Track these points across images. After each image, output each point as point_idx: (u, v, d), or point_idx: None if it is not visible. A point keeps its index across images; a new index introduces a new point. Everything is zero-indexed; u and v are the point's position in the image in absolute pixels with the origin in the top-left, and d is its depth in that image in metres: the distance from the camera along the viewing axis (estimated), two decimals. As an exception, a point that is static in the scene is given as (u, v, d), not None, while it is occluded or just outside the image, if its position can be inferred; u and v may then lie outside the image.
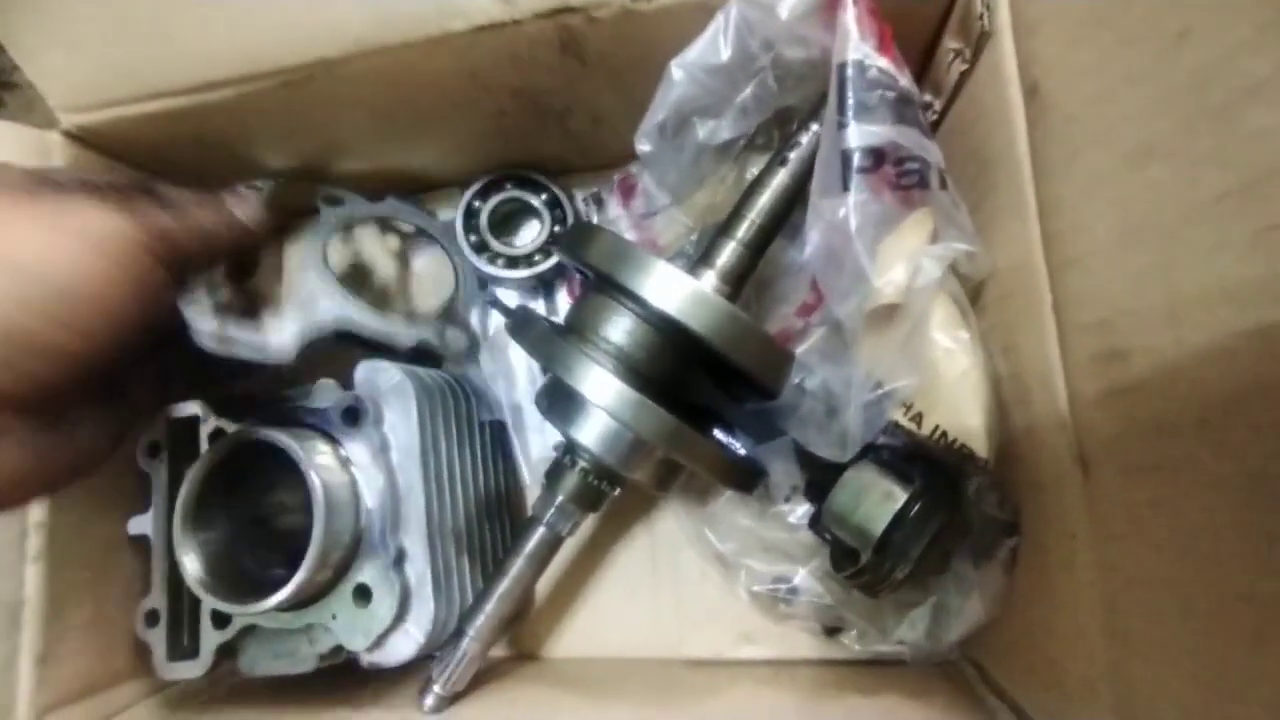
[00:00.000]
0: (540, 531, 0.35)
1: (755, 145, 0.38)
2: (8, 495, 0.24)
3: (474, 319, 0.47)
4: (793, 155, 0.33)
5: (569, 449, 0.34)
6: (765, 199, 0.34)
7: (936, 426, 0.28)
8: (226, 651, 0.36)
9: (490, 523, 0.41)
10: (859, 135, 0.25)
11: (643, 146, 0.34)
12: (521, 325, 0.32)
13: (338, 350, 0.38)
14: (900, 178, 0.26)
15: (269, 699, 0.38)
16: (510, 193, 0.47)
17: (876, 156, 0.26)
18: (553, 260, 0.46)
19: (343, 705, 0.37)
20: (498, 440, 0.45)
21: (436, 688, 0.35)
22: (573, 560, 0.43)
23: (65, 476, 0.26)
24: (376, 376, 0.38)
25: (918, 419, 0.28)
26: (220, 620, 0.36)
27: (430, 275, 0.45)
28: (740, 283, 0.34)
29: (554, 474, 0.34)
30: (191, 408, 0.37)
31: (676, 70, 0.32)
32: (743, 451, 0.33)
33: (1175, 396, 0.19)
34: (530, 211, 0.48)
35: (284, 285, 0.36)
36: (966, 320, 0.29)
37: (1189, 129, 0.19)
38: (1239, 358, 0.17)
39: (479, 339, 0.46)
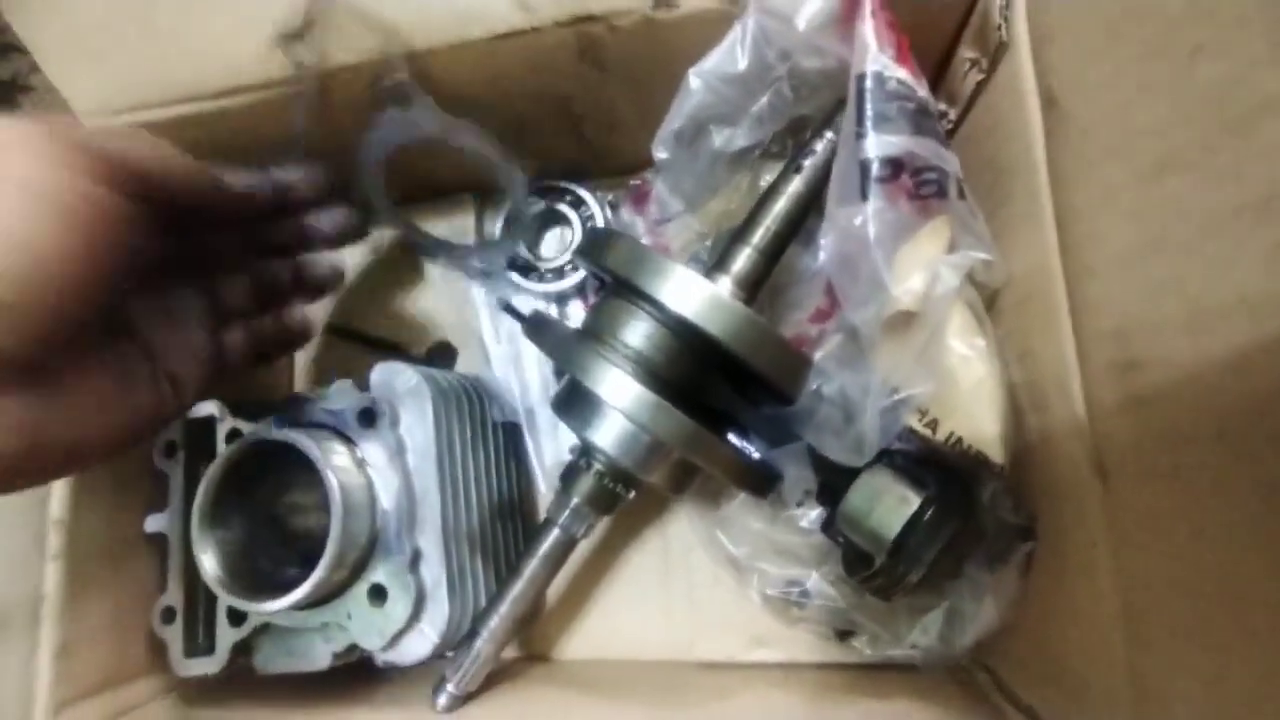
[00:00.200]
0: (555, 533, 0.35)
1: (769, 153, 0.39)
2: None
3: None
4: (807, 163, 0.34)
5: (585, 451, 0.34)
6: (780, 206, 0.34)
7: (952, 433, 0.28)
8: (242, 649, 0.37)
9: (504, 525, 0.42)
10: (878, 145, 0.26)
11: (659, 153, 0.35)
12: (539, 328, 0.33)
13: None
14: (918, 187, 0.26)
15: (283, 697, 0.38)
16: (538, 206, 0.47)
17: (895, 166, 0.26)
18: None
19: (356, 703, 0.37)
20: (511, 443, 0.45)
21: (450, 687, 0.36)
22: (585, 562, 0.44)
23: (62, 458, 0.24)
24: (393, 379, 0.38)
25: (933, 425, 0.28)
26: (236, 618, 0.36)
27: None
28: (755, 289, 0.34)
29: (569, 476, 0.35)
30: (208, 408, 0.38)
31: (694, 79, 0.32)
32: (758, 455, 0.34)
33: (1193, 406, 0.20)
34: (559, 219, 0.48)
35: None
36: (983, 328, 0.29)
37: (1206, 142, 0.19)
38: (1256, 368, 0.17)
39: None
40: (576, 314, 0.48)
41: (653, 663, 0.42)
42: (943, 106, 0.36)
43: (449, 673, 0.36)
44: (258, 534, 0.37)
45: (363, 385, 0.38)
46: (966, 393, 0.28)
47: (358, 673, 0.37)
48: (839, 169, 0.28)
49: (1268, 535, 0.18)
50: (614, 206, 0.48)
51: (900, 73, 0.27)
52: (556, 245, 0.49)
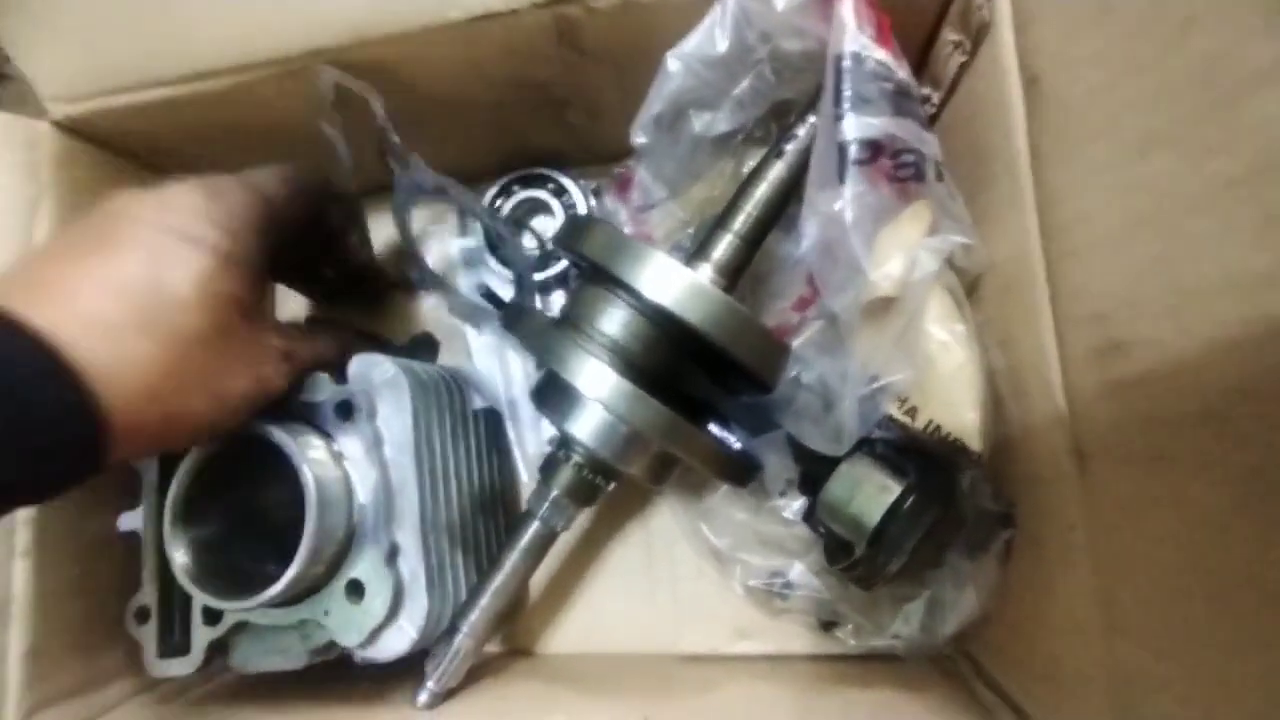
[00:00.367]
0: (535, 526, 0.35)
1: (753, 138, 0.38)
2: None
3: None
4: (789, 148, 0.33)
5: (563, 443, 0.34)
6: (761, 192, 0.34)
7: (930, 420, 0.28)
8: (218, 648, 0.36)
9: (485, 517, 0.41)
10: (856, 127, 0.25)
11: (639, 139, 0.34)
12: (515, 318, 0.32)
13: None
14: (897, 170, 0.26)
15: (261, 695, 0.37)
16: (520, 195, 0.47)
17: (873, 149, 0.26)
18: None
19: (336, 701, 0.37)
20: (493, 434, 0.44)
21: (430, 684, 0.35)
22: (568, 555, 0.43)
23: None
24: (370, 370, 0.37)
25: (912, 413, 0.28)
26: (212, 616, 0.35)
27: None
28: (736, 276, 0.34)
29: (548, 468, 0.34)
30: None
31: (673, 62, 0.32)
32: (738, 445, 0.33)
33: (1177, 388, 0.19)
34: (541, 208, 0.47)
35: None
36: (963, 313, 0.28)
37: (1194, 118, 0.18)
38: (1244, 348, 0.17)
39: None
40: (560, 303, 0.47)
41: (637, 656, 0.41)
42: (926, 91, 0.36)
43: (429, 669, 0.35)
44: (233, 530, 0.37)
45: (340, 378, 0.37)
46: (945, 379, 0.28)
47: (337, 670, 0.36)
48: (817, 152, 0.27)
49: (1251, 518, 0.18)
50: (597, 194, 0.47)
51: (880, 53, 0.26)
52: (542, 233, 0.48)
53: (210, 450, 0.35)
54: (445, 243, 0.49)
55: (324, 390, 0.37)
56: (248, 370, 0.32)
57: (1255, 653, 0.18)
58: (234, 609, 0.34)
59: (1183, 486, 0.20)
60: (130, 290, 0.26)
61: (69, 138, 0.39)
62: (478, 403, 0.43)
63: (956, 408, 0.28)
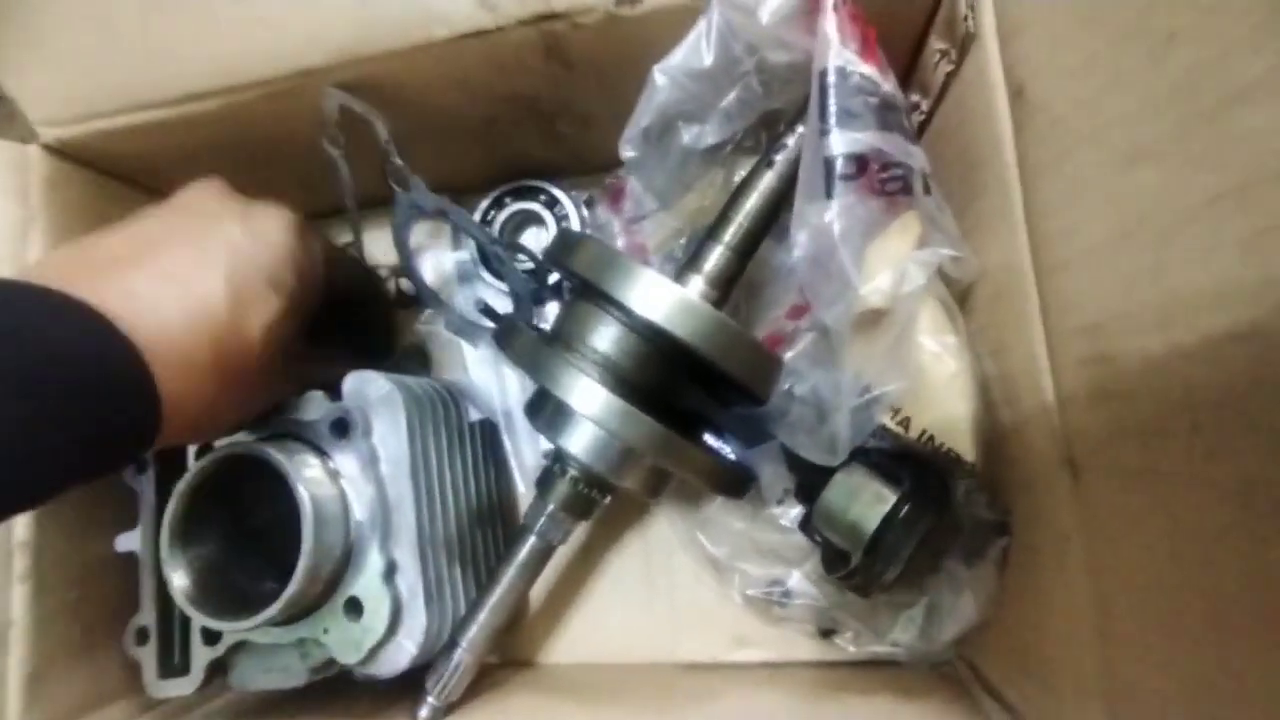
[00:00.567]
0: (532, 541, 0.35)
1: (743, 148, 0.38)
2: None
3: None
4: (779, 158, 0.33)
5: (558, 458, 0.34)
6: (751, 202, 0.34)
7: (924, 430, 0.28)
8: (218, 667, 0.36)
9: (483, 530, 0.41)
10: (842, 142, 0.25)
11: (628, 153, 0.34)
12: (507, 335, 0.32)
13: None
14: (885, 184, 0.26)
15: (261, 714, 0.38)
16: (512, 207, 0.47)
17: (860, 163, 0.26)
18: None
19: (337, 718, 0.37)
20: (489, 445, 0.44)
21: (431, 699, 0.35)
22: (566, 566, 0.43)
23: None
24: (365, 387, 0.37)
25: (905, 423, 0.28)
26: (211, 636, 0.36)
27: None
28: (728, 287, 0.34)
29: (544, 482, 0.34)
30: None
31: (660, 76, 0.32)
32: (733, 456, 0.33)
33: (1166, 400, 0.19)
34: (533, 220, 0.47)
35: None
36: (954, 323, 0.28)
37: (1180, 131, 0.18)
38: (1233, 361, 0.17)
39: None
40: (555, 314, 0.47)
41: (637, 665, 0.41)
42: (915, 98, 0.36)
43: (430, 684, 0.35)
44: (231, 550, 0.37)
45: (335, 395, 0.37)
46: (938, 390, 0.28)
47: (337, 686, 0.36)
48: (805, 166, 0.27)
49: (1239, 530, 0.18)
50: (589, 204, 0.47)
51: (865, 67, 0.26)
52: (532, 247, 0.48)
53: (207, 470, 0.35)
54: (440, 257, 0.49)
55: (319, 408, 0.37)
56: (268, 398, 0.34)
57: (1247, 666, 0.18)
58: (232, 629, 0.34)
59: (1173, 500, 0.20)
60: (212, 325, 0.27)
61: (59, 161, 0.39)
62: (474, 415, 0.43)
63: (949, 419, 0.28)
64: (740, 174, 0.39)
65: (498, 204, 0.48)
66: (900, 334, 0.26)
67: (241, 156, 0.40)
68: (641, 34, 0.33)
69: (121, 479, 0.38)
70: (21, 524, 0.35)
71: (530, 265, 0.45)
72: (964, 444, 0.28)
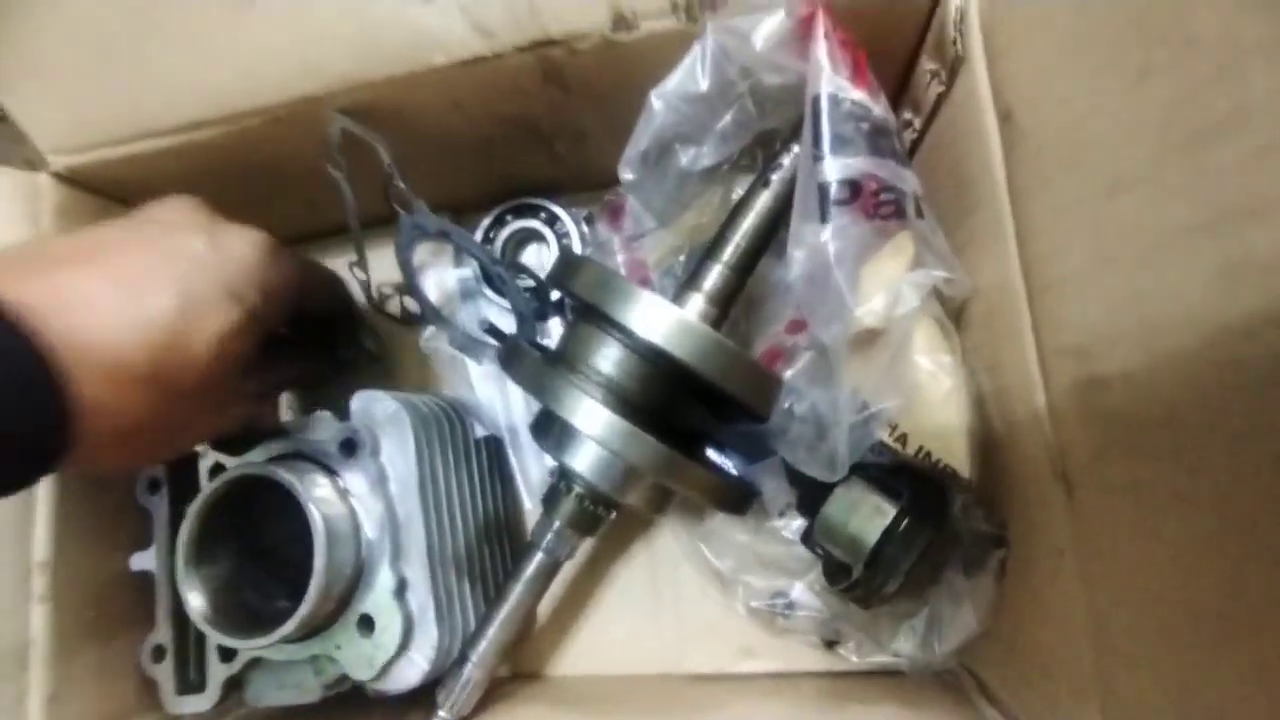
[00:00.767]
0: (539, 557, 0.35)
1: (740, 166, 0.39)
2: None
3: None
4: (775, 176, 0.34)
5: (564, 475, 0.34)
6: (749, 221, 0.34)
7: (921, 447, 0.29)
8: (233, 684, 0.37)
9: (490, 546, 0.42)
10: (835, 168, 0.26)
11: (626, 175, 0.35)
12: (512, 356, 0.33)
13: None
14: (878, 208, 0.27)
15: None
16: (513, 225, 0.47)
17: (853, 188, 0.26)
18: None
19: (349, 731, 0.37)
20: (495, 462, 0.45)
21: (442, 713, 0.36)
22: (573, 579, 0.44)
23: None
24: (373, 407, 0.38)
25: (903, 439, 0.29)
26: (226, 654, 0.36)
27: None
28: (728, 304, 0.35)
29: (550, 500, 0.35)
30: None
31: (656, 100, 0.32)
32: (735, 472, 0.34)
33: (1150, 420, 0.20)
34: (534, 236, 0.48)
35: None
36: (949, 341, 0.29)
37: (1156, 163, 0.19)
38: (1209, 387, 0.18)
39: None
40: (557, 330, 0.48)
41: (644, 677, 0.42)
42: (908, 115, 0.36)
43: (440, 698, 0.36)
44: (244, 568, 0.38)
45: (343, 415, 0.38)
46: (934, 407, 0.28)
47: (349, 700, 0.37)
48: (800, 189, 0.28)
49: (1219, 548, 0.19)
50: (590, 221, 0.48)
51: (856, 93, 0.27)
52: (533, 263, 0.49)
53: (219, 490, 0.36)
54: (443, 274, 0.50)
55: (327, 428, 0.37)
56: (218, 417, 0.33)
57: (1229, 674, 0.19)
58: (248, 647, 0.35)
59: (1159, 515, 0.20)
60: (155, 333, 0.25)
61: (69, 188, 0.40)
62: (479, 431, 0.44)
63: (945, 436, 0.28)
64: (737, 191, 0.39)
65: (499, 222, 0.48)
66: (896, 353, 0.27)
67: (245, 180, 0.41)
68: (637, 58, 0.34)
69: (135, 499, 0.39)
70: (40, 544, 0.36)
71: (532, 283, 0.46)
72: (960, 459, 0.28)
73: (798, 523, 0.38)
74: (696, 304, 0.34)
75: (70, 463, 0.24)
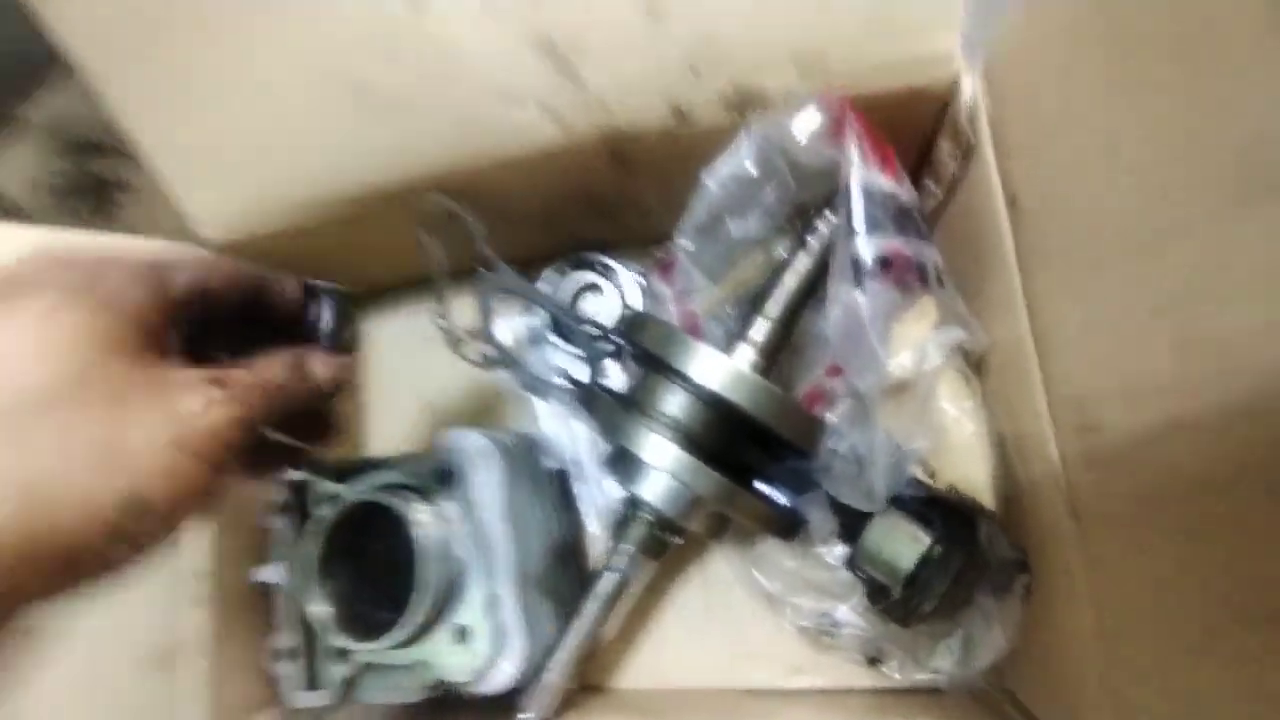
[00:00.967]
0: (610, 578, 0.40)
1: (780, 229, 0.44)
2: None
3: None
4: (813, 241, 0.39)
5: (633, 504, 0.39)
6: (791, 281, 0.39)
7: (950, 483, 0.33)
8: (348, 684, 0.42)
9: (563, 567, 0.47)
10: (868, 246, 0.31)
11: (684, 243, 0.40)
12: (590, 401, 0.38)
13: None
14: (904, 277, 0.31)
15: (381, 723, 0.44)
16: (572, 276, 0.53)
17: (883, 261, 0.31)
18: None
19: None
20: (561, 491, 0.50)
21: (526, 716, 0.41)
22: (636, 600, 0.48)
23: None
24: (464, 441, 0.44)
25: (933, 475, 0.33)
26: (341, 655, 0.42)
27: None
28: (774, 354, 0.40)
29: (620, 526, 0.40)
30: (302, 473, 0.44)
31: (709, 181, 0.38)
32: (785, 502, 0.38)
33: (1139, 465, 0.24)
34: (592, 288, 0.54)
35: None
36: (970, 389, 0.33)
37: (1129, 254, 0.23)
38: (1176, 445, 0.22)
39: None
40: (614, 372, 0.54)
41: (700, 690, 0.46)
42: (930, 184, 0.41)
43: (525, 703, 0.41)
44: (357, 582, 0.44)
45: (438, 450, 0.44)
46: (959, 449, 0.32)
47: (444, 701, 0.42)
48: (838, 260, 0.33)
49: (1204, 580, 0.22)
50: (644, 276, 0.54)
51: (885, 184, 0.32)
52: (591, 312, 0.55)
53: (338, 516, 0.42)
54: (513, 322, 0.56)
55: (426, 462, 0.44)
56: (151, 413, 0.21)
57: (1225, 689, 0.22)
58: (362, 650, 0.41)
59: (1153, 547, 0.24)
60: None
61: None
62: (550, 463, 0.50)
63: (970, 473, 0.32)
64: (777, 250, 0.44)
65: (560, 273, 0.55)
66: (924, 402, 0.31)
67: (347, 243, 0.48)
68: (692, 145, 0.39)
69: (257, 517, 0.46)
70: (199, 555, 0.43)
71: (596, 331, 0.52)
72: (984, 492, 0.32)
73: (840, 549, 0.42)
74: (747, 354, 0.39)
75: None
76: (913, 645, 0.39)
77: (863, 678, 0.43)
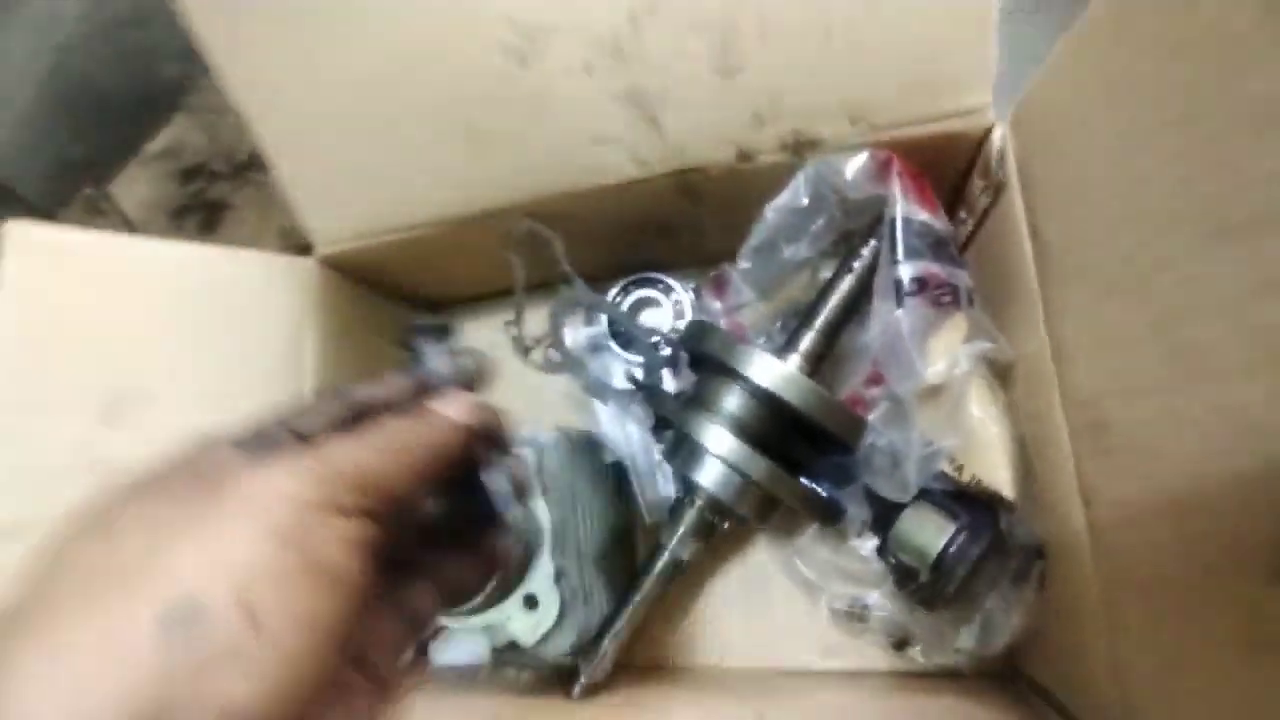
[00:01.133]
0: (665, 557, 0.45)
1: (825, 253, 0.50)
2: None
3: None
4: (856, 264, 0.44)
5: (688, 490, 0.44)
6: (836, 299, 0.45)
7: (974, 476, 0.37)
8: (423, 647, 0.48)
9: (618, 549, 0.52)
10: (908, 270, 0.36)
11: (743, 265, 0.46)
12: (654, 397, 0.44)
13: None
14: (939, 297, 0.37)
15: (451, 684, 0.49)
16: (635, 293, 0.59)
17: (920, 283, 0.36)
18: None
19: (508, 691, 0.47)
20: (618, 482, 0.56)
21: (583, 679, 0.46)
22: (681, 582, 0.53)
23: None
24: (538, 435, 0.50)
25: (960, 470, 0.37)
26: (423, 619, 0.47)
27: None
28: (819, 363, 0.45)
29: (676, 510, 0.45)
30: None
31: (770, 212, 0.44)
32: (825, 494, 0.43)
33: (1138, 456, 0.29)
34: (651, 303, 0.60)
35: None
36: (995, 396, 0.38)
37: (1132, 279, 0.28)
38: (1168, 434, 0.26)
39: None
40: (668, 378, 0.59)
41: (740, 669, 0.50)
42: (963, 214, 0.46)
43: (582, 667, 0.46)
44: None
45: (514, 439, 0.50)
46: (984, 446, 0.37)
47: (509, 663, 0.47)
48: (881, 281, 0.38)
49: (1197, 578, 0.27)
50: (697, 293, 0.59)
51: (923, 215, 0.37)
52: (649, 324, 0.60)
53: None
54: (576, 331, 0.62)
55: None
56: None
57: (1222, 675, 0.26)
58: (443, 614, 0.46)
59: (1157, 539, 0.28)
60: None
61: (328, 271, 0.54)
62: (609, 457, 0.55)
63: (993, 468, 0.37)
64: (822, 272, 0.50)
65: (624, 290, 0.61)
66: (955, 405, 0.36)
67: (441, 262, 0.55)
68: (753, 180, 0.45)
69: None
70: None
71: (655, 340, 0.57)
72: (1005, 488, 0.37)
73: (872, 543, 0.46)
74: (795, 361, 0.44)
75: None
76: (936, 629, 0.43)
77: (890, 661, 0.47)
